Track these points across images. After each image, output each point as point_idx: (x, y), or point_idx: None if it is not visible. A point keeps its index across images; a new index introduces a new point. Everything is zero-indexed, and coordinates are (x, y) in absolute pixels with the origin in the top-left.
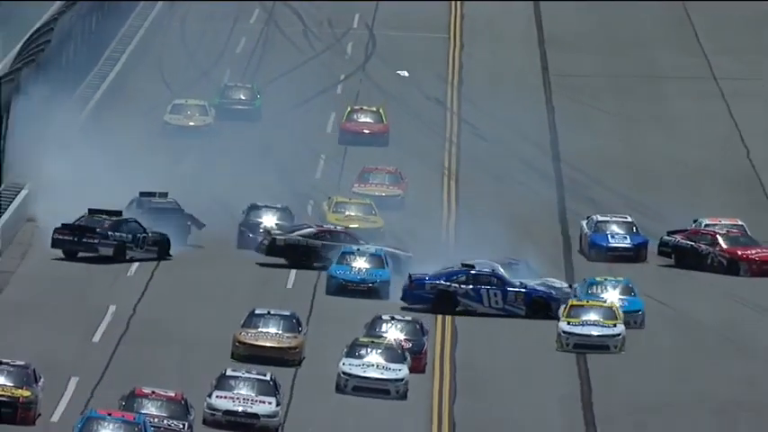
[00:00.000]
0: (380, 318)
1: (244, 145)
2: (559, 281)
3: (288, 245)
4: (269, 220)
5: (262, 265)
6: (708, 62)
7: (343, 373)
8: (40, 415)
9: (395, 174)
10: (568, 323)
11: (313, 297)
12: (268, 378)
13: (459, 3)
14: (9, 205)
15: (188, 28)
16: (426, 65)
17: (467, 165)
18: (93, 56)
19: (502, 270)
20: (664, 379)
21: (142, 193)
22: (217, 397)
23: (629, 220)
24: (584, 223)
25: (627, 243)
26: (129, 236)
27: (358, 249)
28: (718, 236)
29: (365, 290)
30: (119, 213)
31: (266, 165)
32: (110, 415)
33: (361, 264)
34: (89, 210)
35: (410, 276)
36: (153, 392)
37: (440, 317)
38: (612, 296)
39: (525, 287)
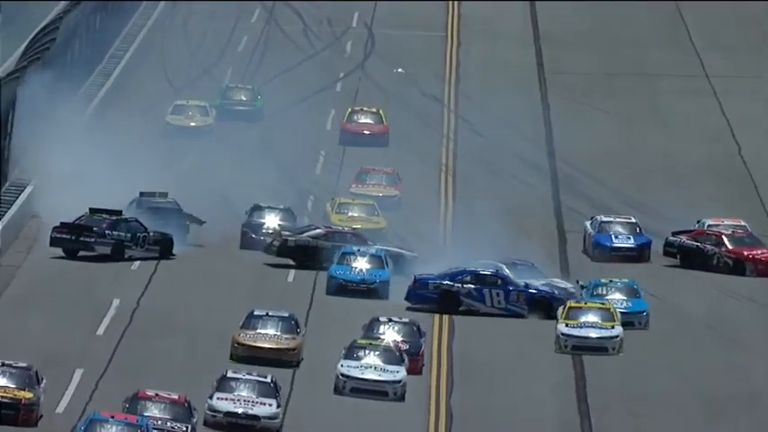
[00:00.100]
0: (378, 319)
1: (245, 143)
2: (564, 281)
3: (298, 246)
4: (271, 220)
5: (271, 265)
6: (700, 60)
7: (342, 374)
8: (42, 416)
9: (392, 174)
10: (566, 325)
11: (313, 291)
12: (269, 380)
13: (456, 2)
14: (14, 201)
15: (190, 27)
16: (424, 63)
17: (464, 161)
18: (97, 54)
19: (507, 271)
20: (656, 369)
21: (142, 193)
22: (218, 398)
23: (633, 220)
24: (587, 224)
25: (630, 243)
26: (128, 235)
27: (358, 250)
28: (723, 236)
29: (365, 290)
30: (119, 213)
31: (267, 161)
32: (113, 417)
33: (360, 264)
34: (90, 209)
35: (415, 276)
36: (156, 395)
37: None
38: (617, 297)
39: (527, 287)
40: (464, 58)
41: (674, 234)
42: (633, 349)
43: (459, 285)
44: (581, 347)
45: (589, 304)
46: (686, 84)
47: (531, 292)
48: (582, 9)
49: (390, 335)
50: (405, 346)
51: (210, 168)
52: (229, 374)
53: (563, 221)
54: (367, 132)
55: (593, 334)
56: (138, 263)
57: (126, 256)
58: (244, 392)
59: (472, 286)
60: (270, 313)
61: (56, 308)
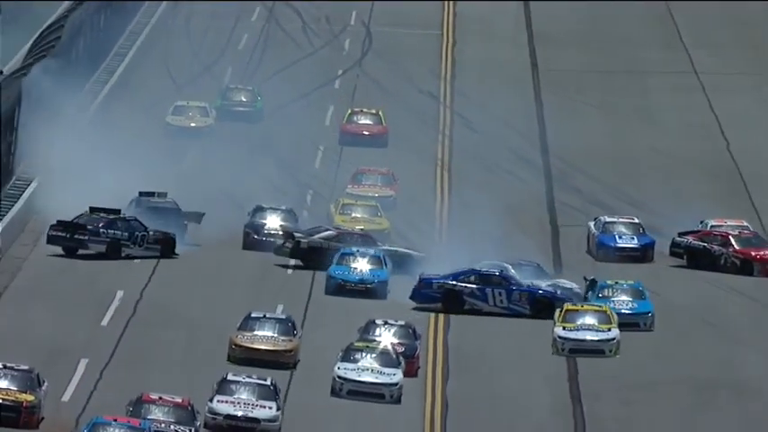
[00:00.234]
0: (374, 322)
1: (245, 138)
2: (570, 282)
3: (311, 247)
4: (273, 221)
5: (280, 266)
6: (689, 57)
7: (339, 377)
8: (43, 419)
9: (387, 175)
10: (564, 328)
11: (311, 286)
12: (268, 383)
13: (451, 1)
14: (20, 195)
15: (192, 26)
16: (420, 60)
17: (459, 156)
18: (101, 51)
19: (513, 271)
20: (647, 359)
21: (142, 193)
22: (218, 401)
23: (636, 221)
24: (591, 224)
25: (634, 243)
26: (125, 234)
27: (358, 250)
28: (730, 237)
29: (363, 290)
30: (117, 212)
31: (267, 157)
32: (115, 420)
33: (359, 264)
34: (90, 208)
35: (420, 276)
36: (160, 398)
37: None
38: (623, 299)
39: (530, 287)
40: (459, 56)
41: (680, 234)
42: (625, 341)
43: (463, 285)
44: (578, 350)
45: (586, 307)
46: (676, 81)
47: (533, 292)
48: (575, 9)
49: (386, 337)
50: (400, 349)
51: (211, 165)
52: (230, 377)
53: (556, 216)
54: (366, 133)
55: (590, 336)
56: None
57: (123, 255)
58: (244, 395)
59: (475, 286)
60: (267, 315)
61: (61, 299)
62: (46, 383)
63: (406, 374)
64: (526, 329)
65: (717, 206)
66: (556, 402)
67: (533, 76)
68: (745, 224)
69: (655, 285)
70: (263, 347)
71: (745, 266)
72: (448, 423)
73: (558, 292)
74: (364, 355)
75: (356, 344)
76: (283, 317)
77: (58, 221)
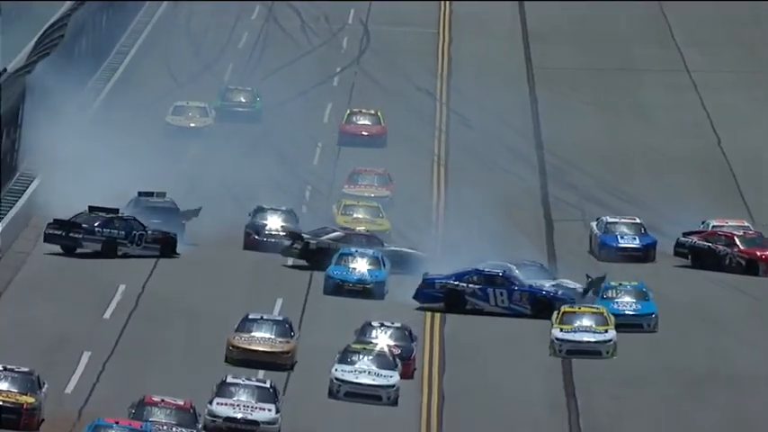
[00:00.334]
0: (370, 324)
1: (245, 136)
2: (573, 282)
3: (319, 248)
4: (274, 222)
5: (288, 266)
6: (681, 55)
7: (336, 378)
8: (43, 420)
9: (383, 175)
10: (561, 330)
11: (309, 283)
12: (268, 385)
13: (448, 1)
14: (24, 191)
15: (193, 24)
16: (417, 58)
17: (455, 152)
18: (103, 50)
19: (516, 271)
20: (643, 355)
21: (140, 193)
22: (217, 404)
23: (638, 221)
24: (593, 224)
25: (636, 243)
26: (122, 233)
27: (356, 250)
28: (735, 237)
29: (361, 290)
30: (115, 211)
31: (267, 153)
32: (117, 423)
33: (357, 264)
34: (89, 207)
35: (423, 276)
36: (162, 400)
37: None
38: (627, 300)
39: (531, 287)
40: (455, 54)
41: (684, 235)
42: (623, 337)
43: (465, 285)
44: (575, 351)
45: (583, 308)
46: (668, 78)
47: (534, 292)
48: (569, 7)
49: (383, 339)
50: (397, 351)
51: (211, 165)
52: (229, 380)
53: (550, 211)
54: (365, 134)
55: (587, 338)
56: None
57: (120, 254)
58: (243, 398)
59: (477, 286)
60: (264, 317)
61: (64, 293)
62: (46, 385)
63: (402, 376)
64: (523, 324)
65: (708, 202)
66: (550, 395)
67: (528, 74)
68: (746, 224)
69: (656, 285)
70: (260, 349)
71: (751, 266)
72: (444, 416)
73: (560, 292)
74: (361, 357)
75: (353, 346)
76: (280, 318)
77: (55, 220)
